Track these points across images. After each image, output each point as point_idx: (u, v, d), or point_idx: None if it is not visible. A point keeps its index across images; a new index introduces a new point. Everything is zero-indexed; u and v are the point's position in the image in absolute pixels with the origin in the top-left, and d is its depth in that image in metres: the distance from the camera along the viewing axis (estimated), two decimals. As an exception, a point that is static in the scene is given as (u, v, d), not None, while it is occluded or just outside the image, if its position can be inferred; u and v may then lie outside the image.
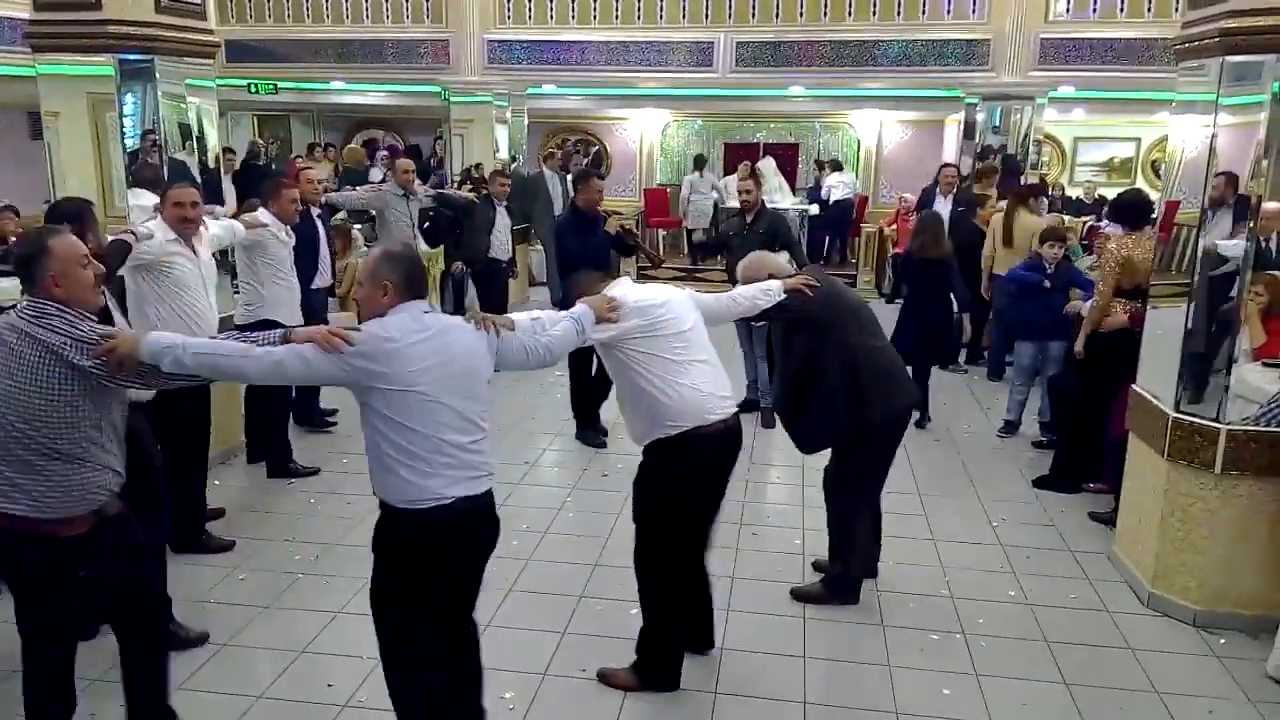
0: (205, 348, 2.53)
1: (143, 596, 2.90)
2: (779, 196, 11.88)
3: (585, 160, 13.22)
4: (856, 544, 4.03)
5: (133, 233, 4.07)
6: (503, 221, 7.85)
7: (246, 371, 2.51)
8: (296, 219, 5.35)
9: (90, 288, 2.64)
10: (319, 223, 6.06)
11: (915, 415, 4.25)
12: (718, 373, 3.28)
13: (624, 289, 3.27)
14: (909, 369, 4.23)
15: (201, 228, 4.38)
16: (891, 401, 3.82)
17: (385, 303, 2.58)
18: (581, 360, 5.77)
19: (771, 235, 6.15)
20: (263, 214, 5.18)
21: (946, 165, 9.84)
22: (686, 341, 3.20)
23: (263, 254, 5.12)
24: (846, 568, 4.04)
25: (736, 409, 3.30)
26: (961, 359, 7.93)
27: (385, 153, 13.97)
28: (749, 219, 6.41)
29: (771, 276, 3.81)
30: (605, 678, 3.44)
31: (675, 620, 3.38)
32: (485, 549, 2.78)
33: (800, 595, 4.07)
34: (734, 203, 12.06)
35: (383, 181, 9.59)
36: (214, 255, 4.63)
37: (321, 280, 6.02)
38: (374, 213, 7.45)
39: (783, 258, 4.49)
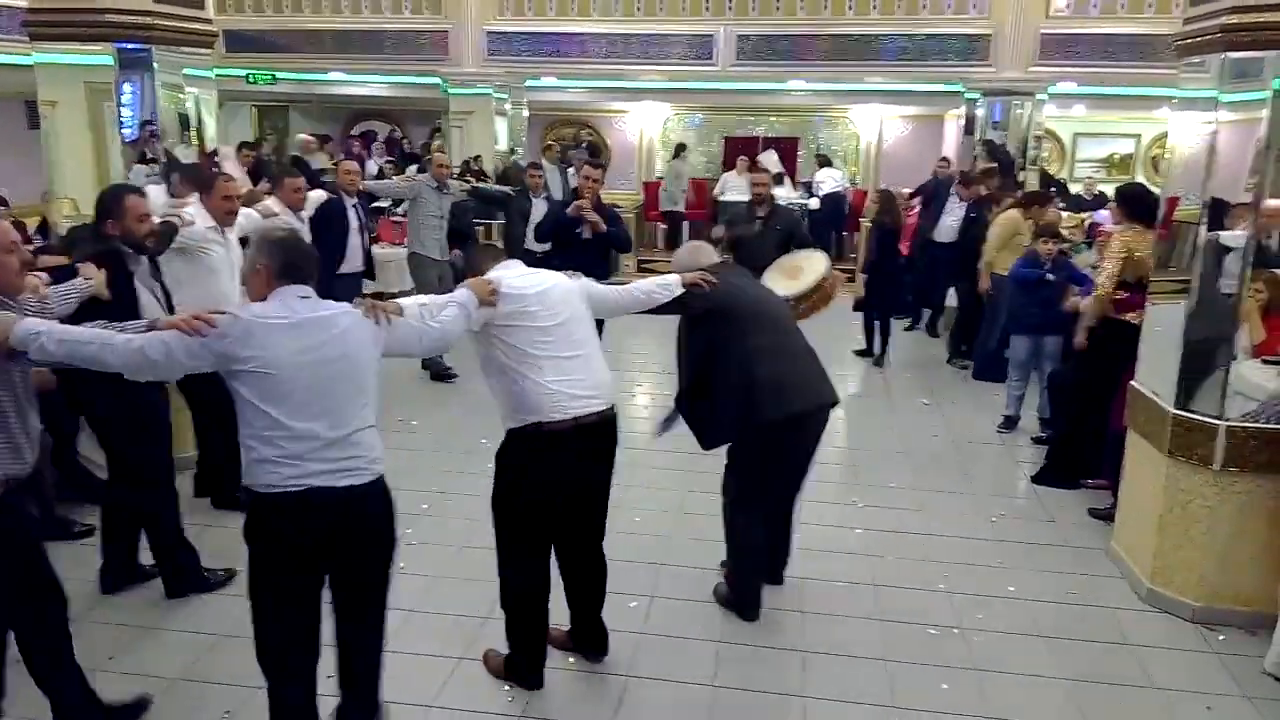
0: (68, 335, 2.52)
1: (34, 591, 2.85)
2: (780, 190, 11.88)
3: (576, 152, 13.22)
4: (742, 550, 3.90)
5: (179, 216, 4.24)
6: (540, 213, 7.58)
7: (106, 360, 2.49)
8: (303, 206, 5.60)
9: (13, 273, 2.72)
10: (353, 211, 6.34)
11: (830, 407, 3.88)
12: (588, 369, 3.19)
13: (505, 272, 3.23)
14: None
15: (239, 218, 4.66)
16: (781, 403, 3.60)
17: (261, 287, 2.60)
18: None
19: (788, 234, 6.08)
20: (273, 203, 5.40)
21: (941, 161, 9.84)
22: (551, 336, 3.14)
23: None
24: (734, 574, 3.96)
25: (603, 408, 3.19)
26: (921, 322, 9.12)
27: (383, 144, 13.95)
28: (761, 214, 6.35)
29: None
30: (484, 659, 3.47)
31: (523, 615, 3.32)
32: (352, 544, 2.61)
33: (715, 595, 4.02)
34: (730, 197, 12.21)
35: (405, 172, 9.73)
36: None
37: (349, 266, 6.28)
38: (407, 201, 7.64)
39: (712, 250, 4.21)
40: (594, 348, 3.27)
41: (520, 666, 3.36)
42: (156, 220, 4.02)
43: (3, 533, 2.69)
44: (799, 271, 5.46)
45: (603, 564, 3.50)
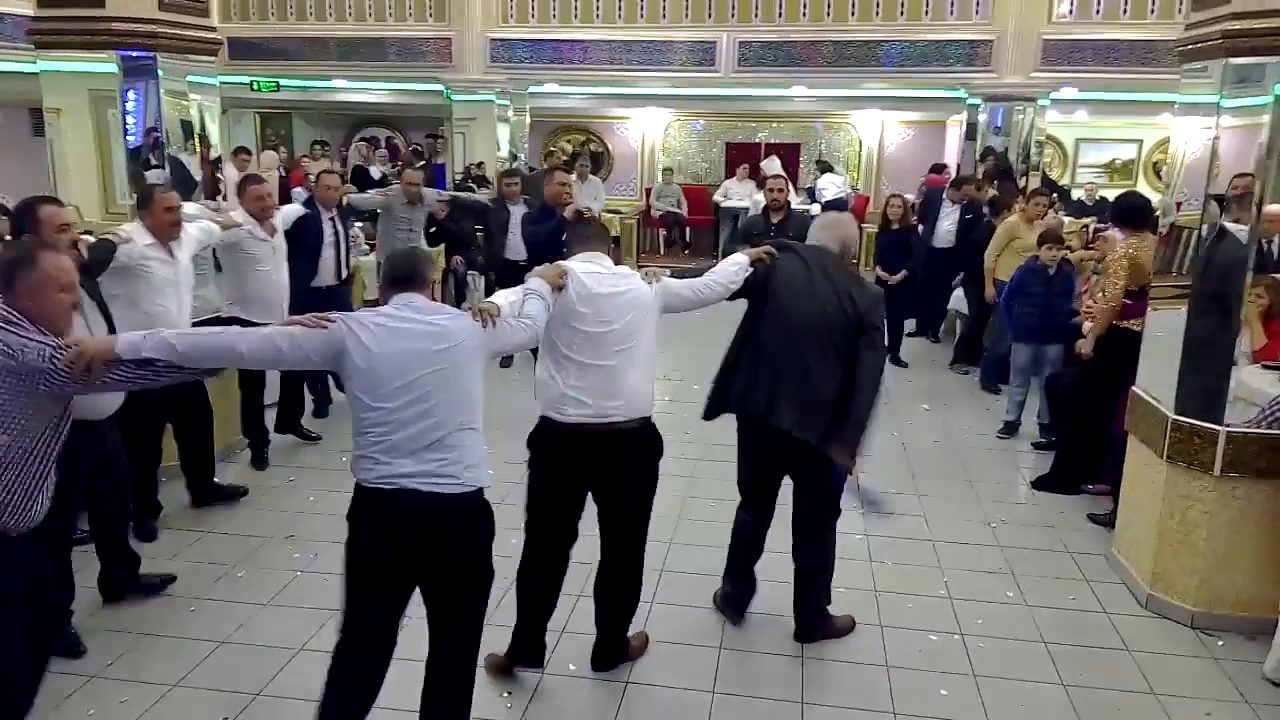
0: (189, 333, 2.70)
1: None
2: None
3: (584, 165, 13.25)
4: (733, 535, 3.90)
5: (116, 234, 4.11)
6: (515, 222, 7.55)
7: (239, 348, 2.60)
8: (273, 215, 5.35)
9: (64, 312, 2.69)
10: (329, 224, 6.09)
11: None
12: (613, 379, 3.13)
13: (583, 266, 3.22)
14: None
15: (182, 232, 4.46)
16: (745, 401, 3.54)
17: (380, 295, 2.82)
18: None
19: (802, 240, 6.07)
20: (238, 214, 5.19)
21: (935, 170, 9.85)
22: (588, 342, 3.13)
23: (240, 251, 5.17)
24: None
25: (619, 419, 3.15)
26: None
27: (385, 151, 13.98)
28: (774, 219, 6.34)
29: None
30: (486, 664, 3.35)
31: (520, 591, 3.40)
32: (435, 558, 2.66)
33: (714, 601, 4.01)
34: (731, 203, 12.24)
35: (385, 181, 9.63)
36: (196, 256, 4.70)
37: (321, 280, 6.02)
38: (380, 212, 7.46)
39: None
40: (634, 358, 3.18)
41: (515, 645, 3.41)
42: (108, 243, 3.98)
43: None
44: None
45: (626, 583, 3.45)
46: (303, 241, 5.77)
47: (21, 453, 2.60)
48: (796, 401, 3.45)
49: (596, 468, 3.26)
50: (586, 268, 3.22)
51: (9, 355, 2.50)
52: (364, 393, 2.59)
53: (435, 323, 2.66)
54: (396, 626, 2.78)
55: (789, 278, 3.55)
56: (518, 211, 7.39)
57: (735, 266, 3.53)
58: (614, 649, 3.51)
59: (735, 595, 3.88)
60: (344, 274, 6.30)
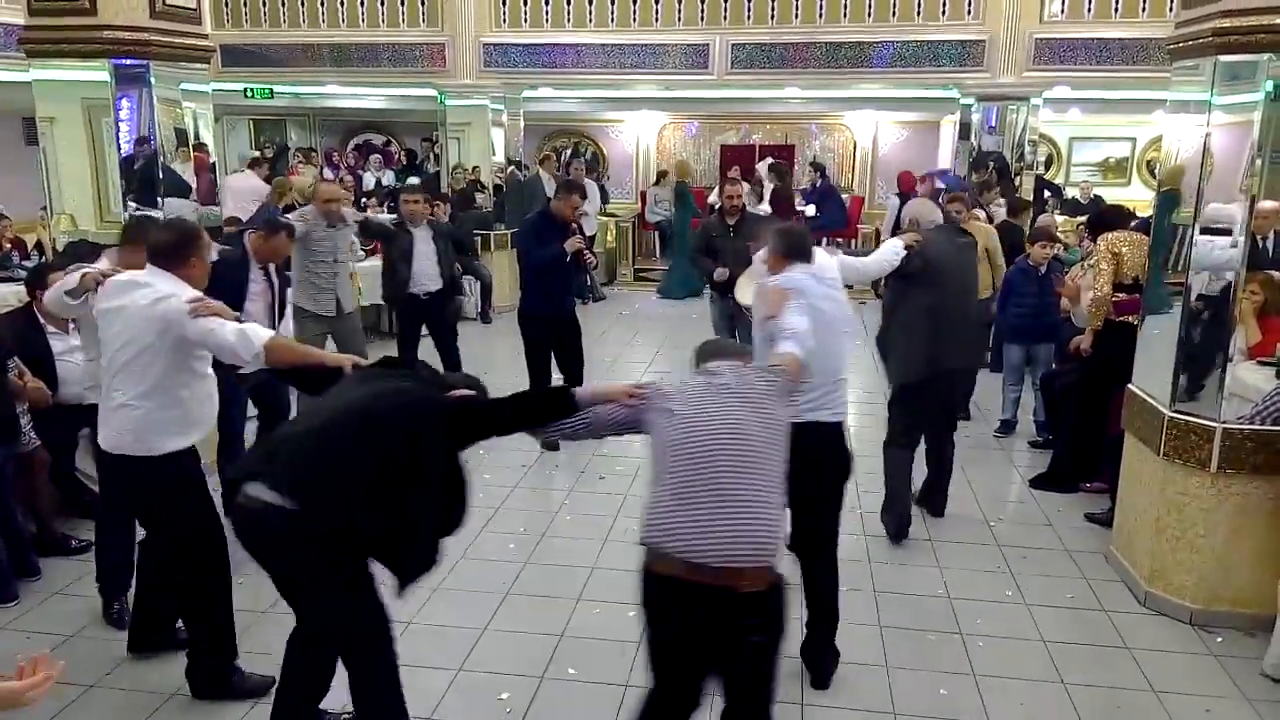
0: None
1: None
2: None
3: (577, 162, 13.23)
4: (891, 478, 4.66)
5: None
6: (425, 248, 6.41)
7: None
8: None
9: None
10: (262, 276, 4.77)
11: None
12: None
13: (799, 273, 3.40)
14: None
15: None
16: (940, 358, 4.46)
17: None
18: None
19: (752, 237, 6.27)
20: (105, 262, 4.41)
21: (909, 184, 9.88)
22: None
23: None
24: (886, 500, 4.68)
25: None
26: None
27: (379, 156, 13.98)
28: (730, 221, 6.49)
29: (914, 221, 4.65)
30: None
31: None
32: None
33: None
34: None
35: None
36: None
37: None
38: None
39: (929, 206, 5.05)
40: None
41: None
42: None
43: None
44: None
45: None
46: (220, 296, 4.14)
47: None
48: (971, 337, 4.94)
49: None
50: (805, 270, 3.44)
51: None
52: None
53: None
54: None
55: (941, 253, 4.50)
56: (422, 235, 6.39)
57: (893, 251, 4.38)
58: None
59: (898, 516, 4.65)
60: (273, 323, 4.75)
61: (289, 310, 5.03)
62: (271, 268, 4.79)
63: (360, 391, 2.78)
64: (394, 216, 7.28)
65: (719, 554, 2.32)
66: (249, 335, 3.02)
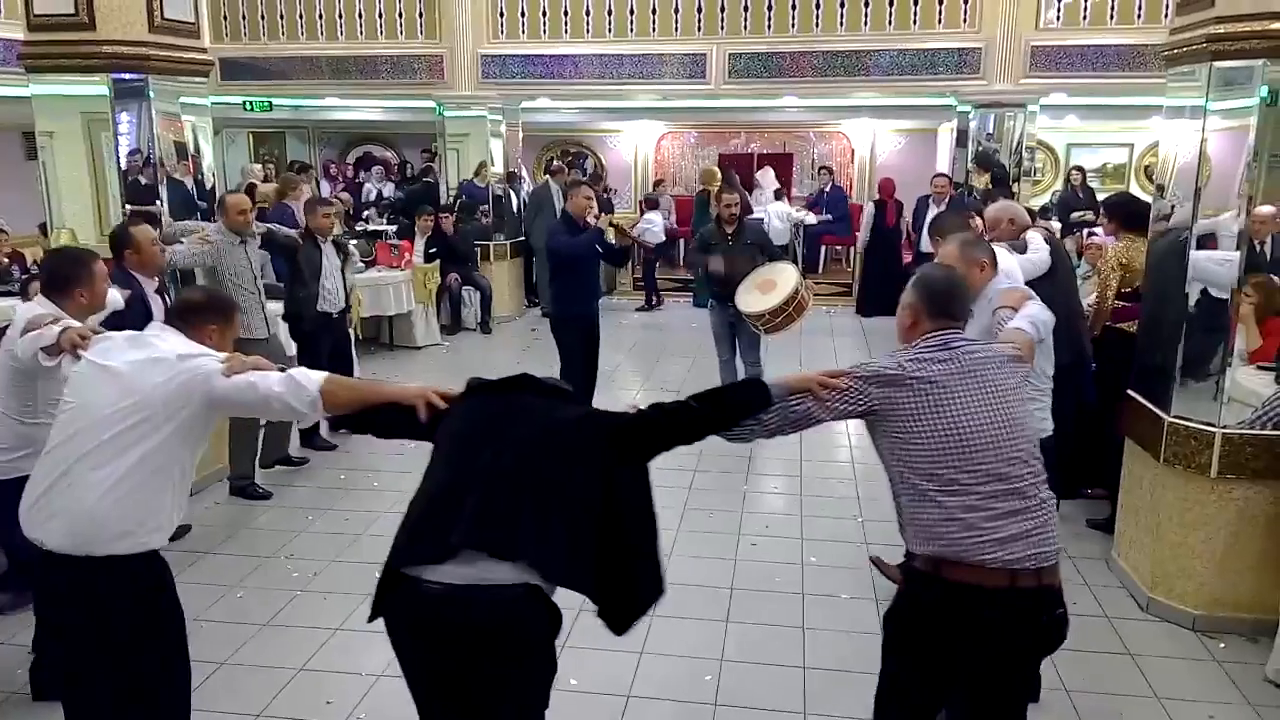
0: None
1: None
2: (779, 206, 11.98)
3: (576, 172, 13.28)
4: None
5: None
6: (332, 264, 6.06)
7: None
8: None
9: None
10: (157, 302, 4.57)
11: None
12: None
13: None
14: None
15: None
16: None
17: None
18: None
19: (759, 247, 6.43)
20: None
21: (938, 175, 9.87)
22: None
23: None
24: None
25: None
26: None
27: (380, 168, 14.02)
28: (728, 230, 6.53)
29: (1011, 222, 4.49)
30: None
31: None
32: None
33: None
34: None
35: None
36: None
37: None
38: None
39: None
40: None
41: None
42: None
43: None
44: (772, 286, 5.67)
45: None
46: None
47: None
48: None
49: None
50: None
51: None
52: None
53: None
54: None
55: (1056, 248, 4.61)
56: (329, 251, 6.07)
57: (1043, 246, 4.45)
58: None
59: None
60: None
61: None
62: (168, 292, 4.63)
63: (528, 424, 2.35)
64: (394, 229, 7.27)
65: (1036, 556, 2.30)
66: (299, 381, 2.47)
